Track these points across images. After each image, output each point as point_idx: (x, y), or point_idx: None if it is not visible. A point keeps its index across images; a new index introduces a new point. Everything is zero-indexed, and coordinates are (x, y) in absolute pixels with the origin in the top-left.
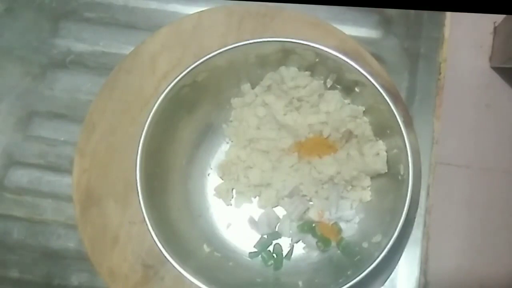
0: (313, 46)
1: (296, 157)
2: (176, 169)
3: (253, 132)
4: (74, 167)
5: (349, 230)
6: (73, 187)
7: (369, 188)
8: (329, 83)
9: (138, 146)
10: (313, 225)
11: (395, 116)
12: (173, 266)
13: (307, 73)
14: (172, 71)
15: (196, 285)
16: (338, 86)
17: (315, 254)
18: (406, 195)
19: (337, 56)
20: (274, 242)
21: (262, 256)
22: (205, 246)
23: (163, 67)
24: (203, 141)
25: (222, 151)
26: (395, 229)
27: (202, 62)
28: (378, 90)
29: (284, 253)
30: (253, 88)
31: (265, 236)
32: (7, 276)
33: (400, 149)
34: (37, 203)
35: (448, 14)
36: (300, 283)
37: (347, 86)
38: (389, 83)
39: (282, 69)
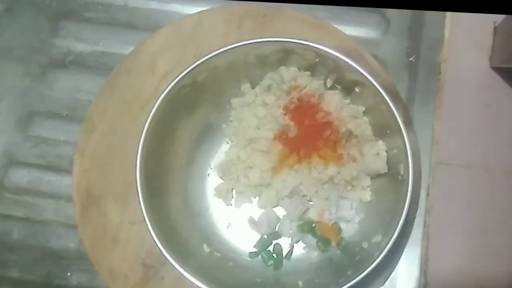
0: (313, 46)
1: (296, 157)
2: (176, 169)
3: (253, 132)
4: (74, 167)
5: (349, 230)
6: (73, 187)
7: (369, 188)
8: (329, 83)
9: (138, 146)
10: (313, 225)
11: (395, 116)
12: (173, 266)
13: (307, 73)
14: (172, 71)
15: (196, 285)
16: (338, 86)
17: (315, 254)
18: (406, 195)
19: (337, 56)
20: (274, 242)
21: (262, 256)
22: (205, 246)
23: (163, 67)
24: (203, 141)
25: (222, 151)
26: (395, 229)
27: (202, 62)
28: (378, 90)
29: (284, 253)
30: (253, 88)
31: (265, 236)
32: (7, 276)
33: (400, 149)
34: (37, 203)
35: (448, 14)
36: (300, 283)
37: (347, 86)
38: (389, 83)
39: (282, 69)
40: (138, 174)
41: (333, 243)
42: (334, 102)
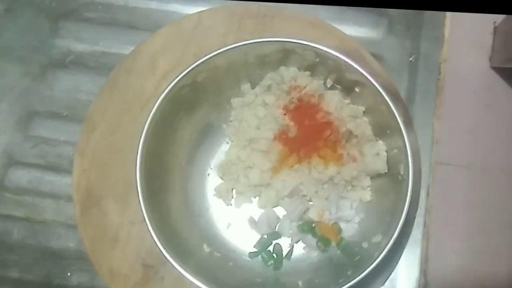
0: (313, 46)
1: (296, 157)
2: (176, 169)
3: (253, 132)
4: (74, 167)
5: (349, 230)
6: (73, 187)
7: (369, 188)
8: (329, 83)
9: (138, 146)
10: (313, 225)
11: (395, 116)
12: (173, 266)
13: (307, 73)
14: (172, 71)
15: (196, 285)
16: (338, 86)
17: (315, 254)
18: (406, 195)
19: (337, 56)
20: (274, 242)
21: (262, 256)
22: (205, 246)
23: (163, 67)
24: (203, 141)
25: (222, 151)
26: (395, 229)
27: (202, 62)
28: (378, 90)
29: (284, 253)
30: (253, 88)
31: (265, 236)
32: (7, 276)
33: (400, 149)
34: (37, 203)
35: (448, 14)
36: (300, 283)
37: (347, 86)
38: (389, 83)
39: (282, 69)
40: (138, 174)
41: (333, 243)
42: (334, 102)
